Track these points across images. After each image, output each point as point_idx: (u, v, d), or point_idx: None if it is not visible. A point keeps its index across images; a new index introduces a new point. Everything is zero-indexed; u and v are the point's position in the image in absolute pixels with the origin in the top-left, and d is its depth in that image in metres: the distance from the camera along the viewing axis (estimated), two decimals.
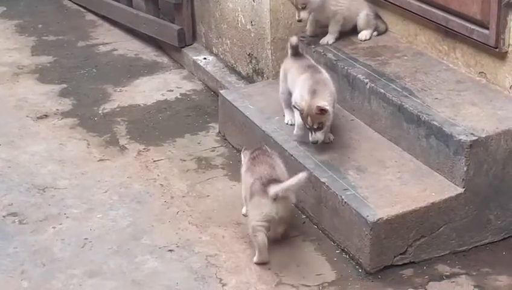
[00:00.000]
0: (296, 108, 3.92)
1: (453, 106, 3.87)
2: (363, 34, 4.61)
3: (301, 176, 3.59)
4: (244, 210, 3.90)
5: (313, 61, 4.21)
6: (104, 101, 5.27)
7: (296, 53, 4.22)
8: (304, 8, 4.38)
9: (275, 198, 3.58)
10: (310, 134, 3.90)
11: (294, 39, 4.23)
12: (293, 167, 3.99)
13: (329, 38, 4.59)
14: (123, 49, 6.09)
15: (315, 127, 3.85)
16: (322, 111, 3.79)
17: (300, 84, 3.97)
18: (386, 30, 4.68)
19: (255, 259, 3.66)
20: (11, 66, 5.83)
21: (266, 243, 3.62)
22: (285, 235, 3.81)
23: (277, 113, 4.39)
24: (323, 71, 4.09)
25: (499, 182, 3.68)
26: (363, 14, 4.61)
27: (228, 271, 3.62)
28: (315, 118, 3.82)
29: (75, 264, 3.70)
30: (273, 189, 3.58)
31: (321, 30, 4.65)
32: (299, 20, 4.42)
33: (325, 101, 3.81)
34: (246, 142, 4.46)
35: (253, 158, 3.82)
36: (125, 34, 6.32)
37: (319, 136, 3.88)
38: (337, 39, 4.59)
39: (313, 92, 3.84)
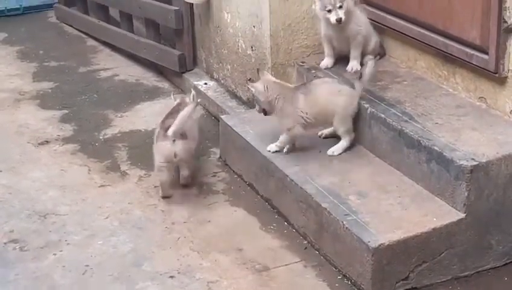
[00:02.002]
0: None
1: (453, 130, 3.87)
2: (369, 59, 4.62)
3: (185, 111, 4.19)
4: None
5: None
6: (105, 126, 5.28)
7: None
8: (341, 7, 4.34)
9: (174, 139, 4.17)
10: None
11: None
12: (294, 193, 4.00)
13: (353, 64, 4.55)
14: (124, 74, 6.11)
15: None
16: None
17: None
18: (385, 54, 4.70)
19: (160, 194, 4.34)
20: (12, 92, 5.84)
21: (168, 181, 4.31)
22: (194, 180, 4.42)
23: (277, 138, 4.39)
24: None
25: (500, 207, 3.68)
26: (374, 41, 4.63)
27: None
28: None
29: None
30: (170, 130, 4.16)
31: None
32: (339, 20, 4.33)
33: None
34: (247, 167, 4.47)
35: (170, 112, 4.37)
36: (126, 60, 6.35)
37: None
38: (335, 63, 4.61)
39: None
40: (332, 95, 4.15)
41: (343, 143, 4.20)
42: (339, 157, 4.18)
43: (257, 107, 4.27)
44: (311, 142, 4.32)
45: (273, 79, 4.33)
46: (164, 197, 4.35)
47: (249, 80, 4.54)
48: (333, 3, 4.35)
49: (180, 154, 4.23)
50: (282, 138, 4.24)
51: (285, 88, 4.24)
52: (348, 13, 4.41)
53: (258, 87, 4.20)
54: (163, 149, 4.24)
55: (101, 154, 4.91)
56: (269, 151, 4.27)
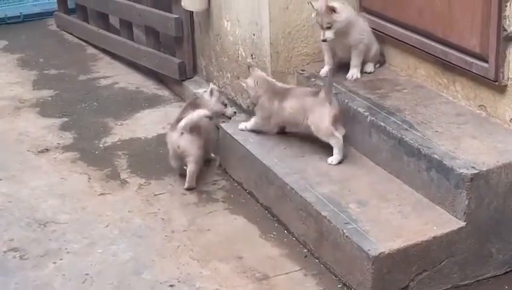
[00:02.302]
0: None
1: (453, 139, 3.87)
2: (369, 67, 4.64)
3: (202, 112, 4.50)
4: None
5: None
6: (105, 134, 5.28)
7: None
8: (329, 28, 4.37)
9: (182, 132, 4.45)
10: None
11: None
12: (294, 201, 3.99)
13: (354, 72, 4.57)
14: (124, 82, 6.12)
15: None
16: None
17: None
18: (385, 62, 4.71)
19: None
20: (12, 100, 5.85)
21: (179, 170, 4.62)
22: (197, 182, 4.55)
23: (277, 146, 4.40)
24: None
25: (500, 216, 3.68)
26: (375, 48, 4.64)
27: None
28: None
29: None
30: (180, 124, 4.45)
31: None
32: (324, 40, 4.41)
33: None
34: (246, 175, 4.47)
35: (189, 103, 4.70)
36: (126, 68, 6.36)
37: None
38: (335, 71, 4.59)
39: None
40: (301, 108, 4.29)
41: (335, 151, 4.21)
42: (338, 166, 4.17)
43: (249, 101, 4.56)
44: (310, 150, 4.32)
45: (264, 75, 4.52)
46: (188, 189, 4.53)
47: (238, 78, 4.64)
48: (321, 23, 4.38)
49: (184, 146, 4.49)
50: (253, 121, 4.55)
51: (270, 87, 4.44)
52: (349, 24, 4.43)
53: (248, 82, 4.46)
54: (170, 139, 4.58)
55: (101, 162, 4.91)
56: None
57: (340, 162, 4.20)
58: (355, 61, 4.58)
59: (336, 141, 4.20)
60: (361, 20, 4.58)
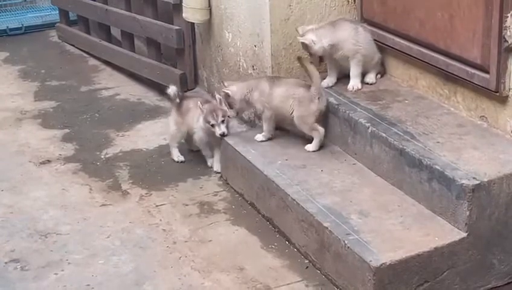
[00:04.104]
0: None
1: (454, 149, 3.87)
2: (371, 78, 4.65)
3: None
4: None
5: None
6: (106, 145, 5.28)
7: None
8: (311, 55, 4.57)
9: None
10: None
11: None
12: (295, 212, 3.99)
13: (354, 83, 4.60)
14: (125, 93, 6.12)
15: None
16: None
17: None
18: (385, 73, 4.72)
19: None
20: (14, 112, 5.85)
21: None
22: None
23: (279, 157, 4.40)
24: None
25: (501, 226, 3.67)
26: (377, 58, 4.65)
27: None
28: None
29: None
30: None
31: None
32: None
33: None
34: (248, 186, 4.47)
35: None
36: (128, 79, 6.36)
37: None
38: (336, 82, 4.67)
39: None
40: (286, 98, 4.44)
41: (315, 141, 4.44)
42: (340, 177, 4.17)
43: (232, 112, 4.59)
44: (312, 161, 4.33)
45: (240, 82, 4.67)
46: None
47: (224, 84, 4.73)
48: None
49: None
50: (265, 128, 4.59)
51: (252, 83, 4.59)
52: (335, 44, 4.54)
53: (232, 89, 4.55)
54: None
55: (102, 173, 4.91)
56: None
57: (316, 151, 4.43)
58: (354, 71, 4.60)
59: (318, 133, 4.39)
60: (360, 29, 4.59)
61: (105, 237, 4.23)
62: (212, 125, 4.62)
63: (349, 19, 4.73)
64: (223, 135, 4.61)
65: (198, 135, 4.81)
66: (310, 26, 4.59)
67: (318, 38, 4.51)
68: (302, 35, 4.54)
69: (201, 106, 4.67)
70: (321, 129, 4.40)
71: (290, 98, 4.42)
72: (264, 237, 4.17)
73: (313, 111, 4.36)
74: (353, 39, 4.57)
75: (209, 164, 4.87)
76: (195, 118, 4.78)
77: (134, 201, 4.58)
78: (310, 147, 4.44)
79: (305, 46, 4.55)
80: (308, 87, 4.39)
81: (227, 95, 4.56)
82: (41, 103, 6.01)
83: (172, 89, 4.94)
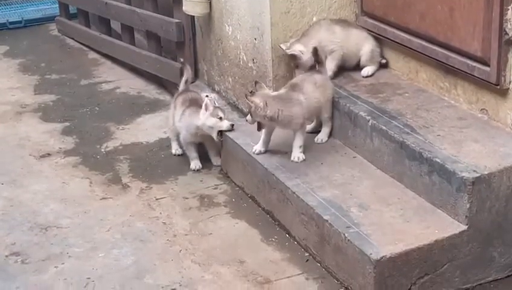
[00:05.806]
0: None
1: (455, 142, 3.87)
2: (366, 70, 4.65)
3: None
4: None
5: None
6: (106, 139, 5.28)
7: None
8: (297, 67, 4.59)
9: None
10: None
11: None
12: (295, 205, 3.99)
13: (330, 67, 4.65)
14: (125, 87, 6.12)
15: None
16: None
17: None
18: (387, 65, 4.72)
19: None
20: (14, 105, 5.85)
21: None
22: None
23: (279, 150, 4.40)
24: None
25: (502, 219, 3.67)
26: (368, 50, 4.65)
27: None
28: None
29: None
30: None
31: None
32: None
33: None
34: (248, 179, 4.47)
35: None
36: (128, 72, 6.36)
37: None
38: (336, 75, 4.66)
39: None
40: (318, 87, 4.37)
41: (325, 129, 4.46)
42: (340, 170, 4.17)
43: (250, 119, 4.31)
44: (312, 155, 4.33)
45: (271, 93, 4.38)
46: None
47: (250, 92, 4.57)
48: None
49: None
50: (299, 139, 4.30)
51: (282, 98, 4.30)
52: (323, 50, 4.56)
53: (257, 103, 4.22)
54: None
55: (102, 166, 4.91)
56: (296, 161, 4.28)
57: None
58: (328, 65, 4.61)
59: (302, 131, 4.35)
60: (335, 30, 4.66)
61: (105, 230, 4.23)
62: (220, 118, 4.62)
63: (328, 19, 4.73)
64: (232, 127, 4.64)
65: (182, 134, 4.79)
66: (292, 40, 4.63)
67: (306, 49, 4.53)
68: (289, 48, 4.56)
69: (209, 102, 4.65)
70: (307, 128, 4.46)
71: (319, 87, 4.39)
72: (264, 230, 4.17)
73: (301, 112, 4.30)
74: (332, 35, 4.63)
75: (191, 166, 4.81)
76: (178, 116, 4.78)
77: (134, 194, 4.58)
78: (321, 136, 4.46)
79: (294, 58, 4.57)
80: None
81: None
82: (41, 96, 6.01)
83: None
